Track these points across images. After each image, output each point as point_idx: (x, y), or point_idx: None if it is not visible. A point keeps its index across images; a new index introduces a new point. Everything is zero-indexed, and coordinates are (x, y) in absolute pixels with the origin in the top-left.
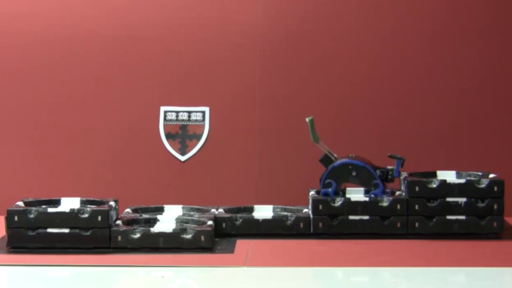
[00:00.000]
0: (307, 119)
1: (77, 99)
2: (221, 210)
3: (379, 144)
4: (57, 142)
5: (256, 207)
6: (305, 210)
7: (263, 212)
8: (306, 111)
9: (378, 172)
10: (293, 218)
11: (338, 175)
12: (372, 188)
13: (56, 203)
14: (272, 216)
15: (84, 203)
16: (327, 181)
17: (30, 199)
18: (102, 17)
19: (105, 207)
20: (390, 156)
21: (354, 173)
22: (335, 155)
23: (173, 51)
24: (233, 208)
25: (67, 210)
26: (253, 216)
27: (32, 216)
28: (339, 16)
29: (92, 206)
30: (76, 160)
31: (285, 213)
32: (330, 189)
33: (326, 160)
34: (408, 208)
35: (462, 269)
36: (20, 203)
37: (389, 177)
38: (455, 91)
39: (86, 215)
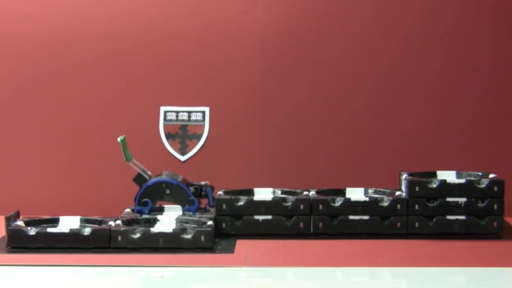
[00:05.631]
0: (118, 139)
1: (76, 99)
2: None
3: (379, 144)
4: (56, 142)
5: None
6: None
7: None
8: (306, 111)
9: (191, 188)
10: (293, 218)
11: (152, 194)
12: (187, 205)
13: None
14: (272, 216)
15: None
16: (143, 199)
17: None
18: (102, 17)
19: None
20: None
21: (168, 191)
22: (149, 173)
23: (173, 51)
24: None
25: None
26: (253, 216)
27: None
28: (339, 16)
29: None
30: (76, 160)
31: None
32: (146, 208)
33: (139, 179)
34: (408, 208)
35: (462, 269)
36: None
37: (203, 193)
38: (455, 91)
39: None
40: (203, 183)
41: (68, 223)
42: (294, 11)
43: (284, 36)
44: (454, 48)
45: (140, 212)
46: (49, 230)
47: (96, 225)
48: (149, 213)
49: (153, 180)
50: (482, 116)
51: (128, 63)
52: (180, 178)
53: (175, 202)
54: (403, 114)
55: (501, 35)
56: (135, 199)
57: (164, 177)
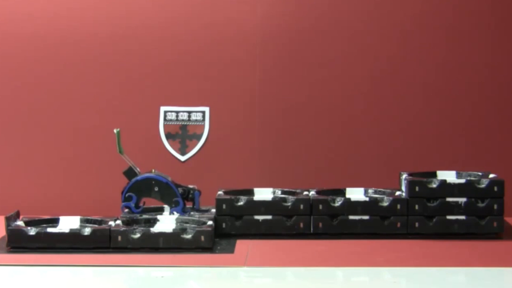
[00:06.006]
0: (114, 131)
1: (76, 99)
2: None
3: (379, 144)
4: (56, 142)
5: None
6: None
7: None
8: (306, 111)
9: (180, 190)
10: (293, 218)
11: (140, 189)
12: (173, 205)
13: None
14: (272, 216)
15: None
16: (127, 194)
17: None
18: (102, 17)
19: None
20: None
21: (156, 189)
22: (138, 169)
23: (173, 51)
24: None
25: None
26: (253, 216)
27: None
28: (339, 17)
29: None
30: (76, 160)
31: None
32: (131, 203)
33: (129, 173)
34: (408, 208)
35: (462, 269)
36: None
37: (190, 196)
38: (455, 90)
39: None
40: (190, 186)
41: (68, 223)
42: (294, 11)
43: (284, 36)
44: (454, 48)
45: (128, 208)
46: (49, 230)
47: (96, 225)
48: (135, 207)
49: (144, 175)
50: (482, 116)
51: (128, 63)
52: (169, 179)
53: (162, 200)
54: (403, 114)
55: (501, 35)
56: (122, 192)
57: (154, 174)
